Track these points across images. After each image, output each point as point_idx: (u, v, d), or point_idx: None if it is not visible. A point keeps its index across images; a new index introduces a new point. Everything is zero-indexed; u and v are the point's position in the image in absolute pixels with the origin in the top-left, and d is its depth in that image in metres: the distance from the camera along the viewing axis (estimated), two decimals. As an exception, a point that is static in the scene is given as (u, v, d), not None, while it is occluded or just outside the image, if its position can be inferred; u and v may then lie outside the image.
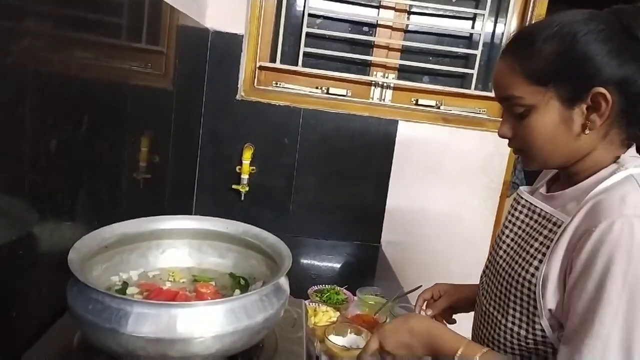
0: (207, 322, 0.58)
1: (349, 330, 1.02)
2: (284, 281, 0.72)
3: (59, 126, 0.74)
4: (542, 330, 0.74)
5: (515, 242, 0.82)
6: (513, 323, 0.78)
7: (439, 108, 1.84)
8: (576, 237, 0.69)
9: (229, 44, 1.71)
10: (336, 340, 0.99)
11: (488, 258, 0.91)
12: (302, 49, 1.75)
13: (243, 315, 0.61)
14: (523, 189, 0.88)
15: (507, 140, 0.80)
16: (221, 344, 0.59)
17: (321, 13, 1.79)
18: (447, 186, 1.84)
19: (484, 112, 1.85)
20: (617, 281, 0.64)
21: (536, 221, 0.80)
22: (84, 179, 0.83)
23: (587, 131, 0.71)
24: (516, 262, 0.79)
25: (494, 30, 1.84)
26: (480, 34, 1.77)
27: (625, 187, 0.69)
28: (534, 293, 0.74)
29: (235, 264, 0.84)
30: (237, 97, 1.75)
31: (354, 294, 1.26)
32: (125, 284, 0.76)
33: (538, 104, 0.72)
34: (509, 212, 0.87)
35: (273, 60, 1.78)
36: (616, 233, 0.64)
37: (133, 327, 0.57)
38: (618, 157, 0.75)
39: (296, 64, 1.76)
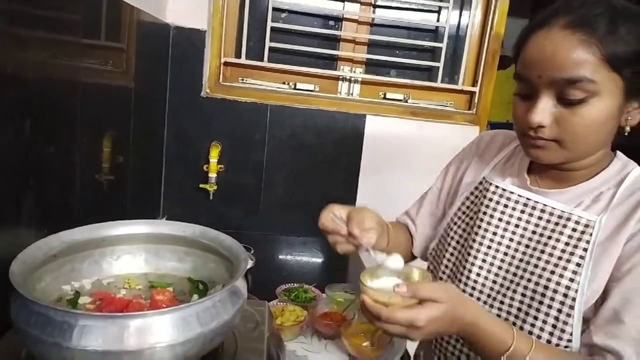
0: (156, 332, 0.56)
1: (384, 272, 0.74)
2: (240, 285, 0.70)
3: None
4: (571, 334, 0.70)
5: (523, 245, 0.77)
6: (531, 333, 0.72)
7: (406, 101, 1.85)
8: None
9: (192, 40, 1.67)
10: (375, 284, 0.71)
11: (473, 256, 0.81)
12: (268, 44, 1.72)
13: (195, 323, 0.59)
14: (500, 181, 0.82)
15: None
16: (172, 354, 0.57)
17: (286, 7, 1.77)
18: (416, 179, 1.83)
19: (451, 105, 1.87)
20: None
21: (544, 219, 0.75)
22: (30, 184, 0.80)
23: (627, 128, 0.69)
24: (536, 267, 0.73)
25: (458, 23, 1.85)
26: (445, 27, 1.78)
27: None
28: (573, 300, 0.69)
29: (194, 267, 0.82)
30: (202, 94, 1.72)
31: (324, 292, 1.25)
32: (77, 294, 0.73)
33: (602, 91, 0.65)
34: (493, 209, 0.80)
35: (238, 55, 1.75)
36: None
37: (78, 340, 0.54)
38: (614, 153, 0.76)
39: (262, 60, 1.74)
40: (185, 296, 0.76)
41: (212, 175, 1.71)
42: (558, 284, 0.71)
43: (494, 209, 0.80)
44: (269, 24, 1.71)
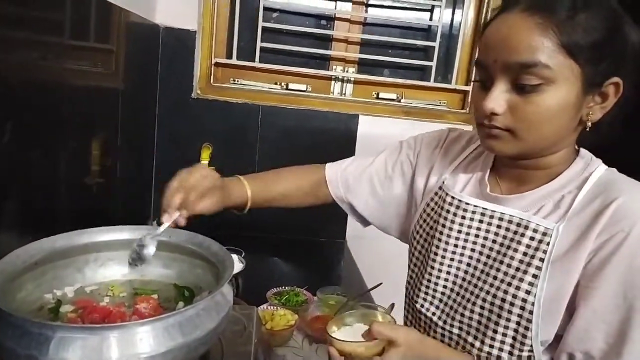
0: (137, 343, 0.55)
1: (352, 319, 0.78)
2: (226, 292, 0.68)
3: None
4: (530, 351, 0.68)
5: (483, 255, 0.74)
6: (492, 347, 0.70)
7: (399, 101, 1.83)
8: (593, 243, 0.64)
9: (182, 40, 1.65)
10: (340, 335, 0.74)
11: (420, 267, 0.81)
12: (259, 44, 1.71)
13: (177, 334, 0.57)
14: (454, 191, 0.79)
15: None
16: (154, 365, 0.56)
17: (277, 7, 1.75)
18: (410, 179, 1.83)
19: (444, 104, 1.85)
20: None
21: (503, 228, 0.72)
22: (12, 190, 0.78)
23: (588, 123, 0.66)
24: (495, 278, 0.70)
25: (451, 22, 1.83)
26: (438, 26, 1.76)
27: (630, 185, 0.66)
28: (530, 313, 0.67)
29: (180, 274, 0.80)
30: (193, 95, 1.70)
31: (315, 295, 1.24)
32: (59, 302, 0.71)
33: (558, 79, 0.61)
34: (453, 222, 0.77)
35: (229, 56, 1.73)
36: None
37: (55, 353, 0.52)
38: (577, 151, 0.73)
39: (253, 60, 1.72)
40: (171, 303, 0.75)
41: (204, 177, 1.69)
42: (515, 296, 0.68)
43: (452, 221, 0.77)
44: (260, 23, 1.70)
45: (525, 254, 0.69)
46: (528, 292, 0.67)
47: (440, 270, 0.78)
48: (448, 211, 0.78)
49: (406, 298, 0.88)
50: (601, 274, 0.63)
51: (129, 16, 1.33)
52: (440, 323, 0.77)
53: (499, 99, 0.65)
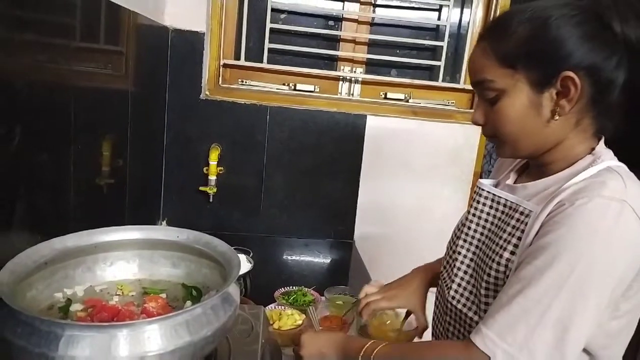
0: (144, 341, 0.55)
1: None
2: (233, 291, 0.69)
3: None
4: None
5: (485, 236, 0.81)
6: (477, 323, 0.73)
7: (407, 101, 1.83)
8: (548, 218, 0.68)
9: (191, 42, 1.66)
10: None
11: (449, 255, 0.88)
12: (267, 45, 1.71)
13: (184, 332, 0.58)
14: (484, 181, 0.86)
15: (478, 131, 0.79)
16: (161, 363, 0.56)
17: (285, 8, 1.76)
18: (417, 179, 1.83)
19: (453, 104, 1.85)
20: (576, 257, 0.62)
21: (503, 212, 0.78)
22: (21, 192, 0.79)
23: (556, 117, 0.70)
24: (487, 256, 0.76)
25: (460, 21, 1.83)
26: (446, 25, 1.76)
27: (606, 175, 0.68)
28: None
29: (188, 273, 0.81)
30: (202, 96, 1.71)
31: (323, 295, 1.24)
32: (69, 301, 0.72)
33: (508, 88, 0.71)
34: (472, 207, 0.85)
35: (237, 57, 1.74)
36: (589, 210, 0.63)
37: (64, 350, 0.53)
38: (592, 149, 0.74)
39: (261, 61, 1.73)
40: (179, 302, 0.76)
41: (212, 177, 1.71)
42: (497, 271, 0.73)
43: (474, 208, 0.85)
44: (268, 25, 1.70)
45: (510, 233, 0.74)
46: (506, 266, 0.72)
47: (459, 253, 0.84)
48: (474, 199, 0.86)
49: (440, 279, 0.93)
50: (534, 240, 0.68)
51: (138, 18, 1.34)
52: (454, 302, 0.82)
53: (478, 111, 0.77)
